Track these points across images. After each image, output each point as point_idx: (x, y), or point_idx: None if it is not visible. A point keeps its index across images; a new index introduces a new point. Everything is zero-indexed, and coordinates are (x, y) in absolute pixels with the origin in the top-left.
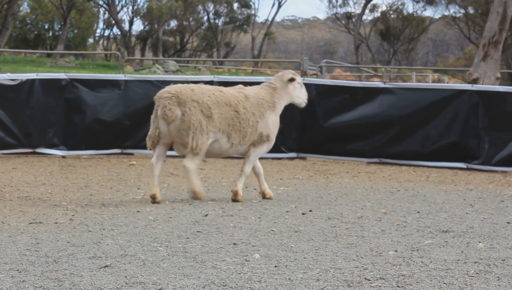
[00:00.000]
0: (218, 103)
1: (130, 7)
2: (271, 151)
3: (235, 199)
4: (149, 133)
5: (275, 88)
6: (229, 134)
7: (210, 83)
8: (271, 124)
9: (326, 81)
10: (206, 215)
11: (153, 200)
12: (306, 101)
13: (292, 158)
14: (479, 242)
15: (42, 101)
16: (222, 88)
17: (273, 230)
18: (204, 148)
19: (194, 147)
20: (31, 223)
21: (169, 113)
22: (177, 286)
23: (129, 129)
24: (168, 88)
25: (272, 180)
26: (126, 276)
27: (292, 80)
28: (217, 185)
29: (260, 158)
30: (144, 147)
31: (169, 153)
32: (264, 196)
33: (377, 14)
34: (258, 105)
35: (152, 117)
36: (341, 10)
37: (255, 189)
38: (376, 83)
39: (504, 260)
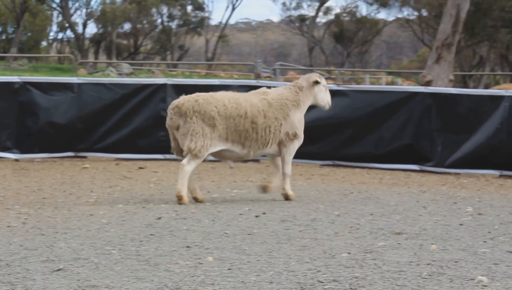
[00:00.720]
0: (227, 115)
1: (84, 10)
2: None
3: (287, 199)
4: (172, 146)
5: (301, 88)
6: (242, 143)
7: (163, 86)
8: (297, 122)
9: (280, 83)
10: (160, 218)
11: (195, 200)
12: (330, 104)
13: (246, 161)
14: (432, 244)
15: None
16: (243, 97)
17: (226, 233)
18: (203, 152)
19: (192, 148)
20: None
21: (170, 123)
22: (130, 289)
23: (82, 132)
24: (177, 99)
25: (225, 183)
26: (79, 280)
27: (317, 82)
28: (171, 188)
29: (212, 161)
30: (98, 150)
31: (122, 156)
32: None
33: (331, 16)
34: (281, 107)
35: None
36: (295, 13)
37: (208, 192)
38: (330, 85)
39: (457, 261)
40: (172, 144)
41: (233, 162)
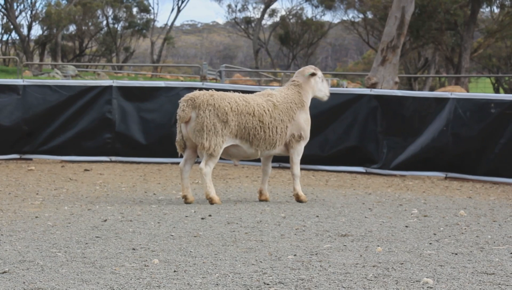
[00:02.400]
0: (239, 112)
1: (29, 12)
2: (170, 155)
3: (299, 201)
4: (176, 138)
5: (300, 85)
6: (251, 141)
7: (109, 88)
8: (303, 123)
9: (226, 85)
10: (105, 221)
11: (185, 200)
12: (328, 94)
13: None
14: (378, 246)
15: None
16: (250, 96)
17: (172, 235)
18: (218, 150)
19: (207, 147)
20: None
21: (182, 114)
22: None
23: (27, 134)
24: (189, 93)
25: (171, 185)
26: (24, 282)
27: (313, 74)
28: (116, 190)
29: (158, 163)
30: (43, 152)
31: (68, 158)
32: (259, 197)
33: (277, 19)
34: (287, 110)
35: (177, 123)
36: (241, 15)
37: (154, 194)
38: (276, 88)
39: (402, 263)
40: (178, 136)
41: (237, 161)
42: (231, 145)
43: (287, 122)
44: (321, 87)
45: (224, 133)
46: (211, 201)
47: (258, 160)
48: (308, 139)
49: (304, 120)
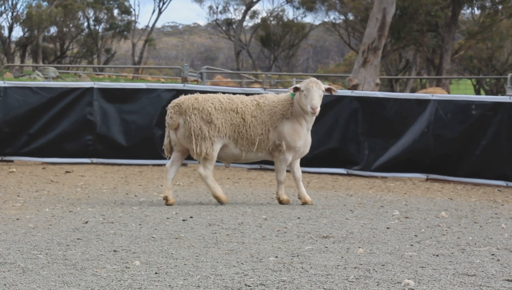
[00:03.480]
0: (222, 109)
1: (10, 13)
2: (151, 157)
3: (281, 203)
4: (164, 142)
5: (295, 94)
6: (235, 140)
7: (90, 90)
8: (287, 133)
9: (207, 87)
10: (87, 222)
11: (166, 202)
12: (309, 109)
13: None
14: (359, 247)
15: None
16: (236, 96)
17: (153, 237)
18: (211, 153)
19: (199, 153)
20: None
21: (170, 121)
22: None
23: (8, 136)
24: (176, 99)
25: (152, 187)
26: (5, 284)
27: (296, 89)
28: (98, 192)
29: (139, 165)
30: (24, 154)
31: (49, 160)
32: (301, 201)
33: (258, 20)
34: (270, 115)
35: (166, 128)
36: (222, 17)
37: (135, 196)
38: (257, 89)
39: (383, 265)
40: (165, 141)
41: (228, 163)
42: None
43: (269, 126)
44: (304, 101)
45: (212, 135)
46: (218, 200)
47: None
48: (295, 149)
49: (288, 130)
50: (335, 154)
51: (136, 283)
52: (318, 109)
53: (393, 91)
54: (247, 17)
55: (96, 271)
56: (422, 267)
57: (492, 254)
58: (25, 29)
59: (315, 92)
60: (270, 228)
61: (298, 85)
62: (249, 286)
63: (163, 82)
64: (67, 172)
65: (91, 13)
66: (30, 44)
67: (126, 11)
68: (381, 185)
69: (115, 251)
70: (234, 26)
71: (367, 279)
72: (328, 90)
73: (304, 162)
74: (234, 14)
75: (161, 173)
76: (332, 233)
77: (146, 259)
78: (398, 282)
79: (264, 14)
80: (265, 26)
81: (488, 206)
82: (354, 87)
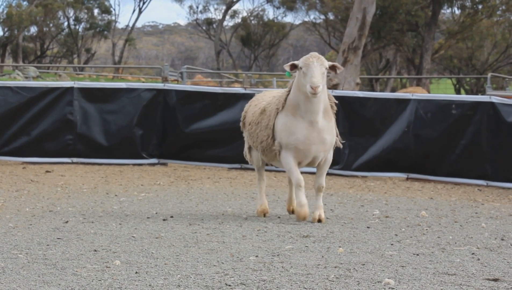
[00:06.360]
0: (249, 112)
1: None
2: (131, 157)
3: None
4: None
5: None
6: (256, 147)
7: (70, 89)
8: (278, 128)
9: (187, 87)
10: (67, 222)
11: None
12: (309, 89)
13: (153, 164)
14: (339, 246)
15: None
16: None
17: (134, 237)
18: (249, 159)
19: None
20: None
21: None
22: None
23: None
24: None
25: (133, 186)
26: None
27: (293, 67)
28: (78, 192)
29: (119, 164)
30: (4, 154)
31: (29, 159)
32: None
33: (238, 20)
34: (270, 111)
35: None
36: (202, 16)
37: (116, 195)
38: (237, 89)
39: (364, 264)
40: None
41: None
42: None
43: (269, 121)
44: (303, 80)
45: (247, 140)
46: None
47: (222, 162)
48: (287, 147)
49: (279, 125)
50: None
51: (117, 283)
52: (320, 88)
53: (373, 90)
54: (227, 17)
55: (76, 271)
56: (403, 266)
57: (472, 253)
58: (5, 29)
59: (315, 67)
60: (251, 228)
61: (296, 62)
62: (229, 285)
63: (143, 82)
64: (47, 171)
65: (71, 12)
66: (10, 43)
67: (106, 10)
68: (362, 184)
69: (95, 250)
70: (214, 25)
71: (348, 279)
72: (332, 67)
73: None
74: (215, 13)
75: (141, 172)
76: (313, 232)
77: (126, 258)
78: (378, 282)
79: (245, 14)
80: (245, 25)
81: (468, 205)
82: (334, 87)
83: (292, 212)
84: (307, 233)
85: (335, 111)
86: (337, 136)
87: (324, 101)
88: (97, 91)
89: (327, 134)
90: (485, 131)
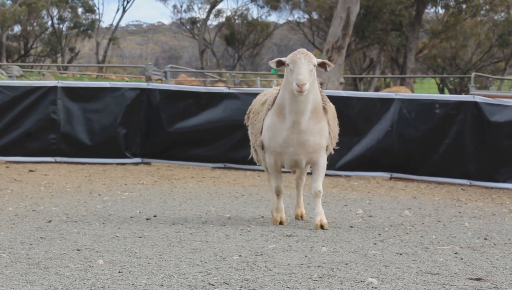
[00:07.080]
0: (251, 111)
1: None
2: (115, 156)
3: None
4: None
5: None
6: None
7: (54, 88)
8: (264, 129)
9: (171, 86)
10: (50, 221)
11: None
12: (295, 87)
13: (136, 163)
14: (323, 246)
15: None
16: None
17: (117, 236)
18: (256, 159)
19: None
20: None
21: None
22: None
23: None
24: None
25: (116, 186)
26: None
27: (280, 64)
28: (61, 191)
29: (103, 163)
30: None
31: (12, 159)
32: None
33: (222, 19)
34: (262, 111)
35: None
36: (186, 15)
37: (99, 195)
38: (221, 88)
39: (347, 264)
40: None
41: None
42: None
43: (259, 121)
44: (290, 77)
45: (253, 142)
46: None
47: (205, 161)
48: (269, 147)
49: (265, 125)
50: None
51: (100, 282)
52: (306, 86)
53: (357, 90)
54: (211, 16)
55: (60, 270)
56: (386, 266)
57: (456, 253)
58: None
59: (302, 64)
60: (234, 227)
61: (283, 58)
62: (212, 285)
63: (127, 81)
64: (30, 171)
65: (55, 11)
66: None
67: (90, 9)
68: (345, 183)
69: (78, 250)
70: (198, 25)
71: (331, 278)
72: (321, 64)
73: None
74: (199, 13)
75: (124, 172)
76: (296, 232)
77: (109, 258)
78: (361, 281)
79: (229, 13)
80: (229, 25)
81: (452, 204)
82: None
83: (301, 217)
84: (290, 232)
85: (334, 113)
86: (332, 139)
87: (314, 101)
88: (81, 90)
89: (311, 136)
90: (468, 131)
